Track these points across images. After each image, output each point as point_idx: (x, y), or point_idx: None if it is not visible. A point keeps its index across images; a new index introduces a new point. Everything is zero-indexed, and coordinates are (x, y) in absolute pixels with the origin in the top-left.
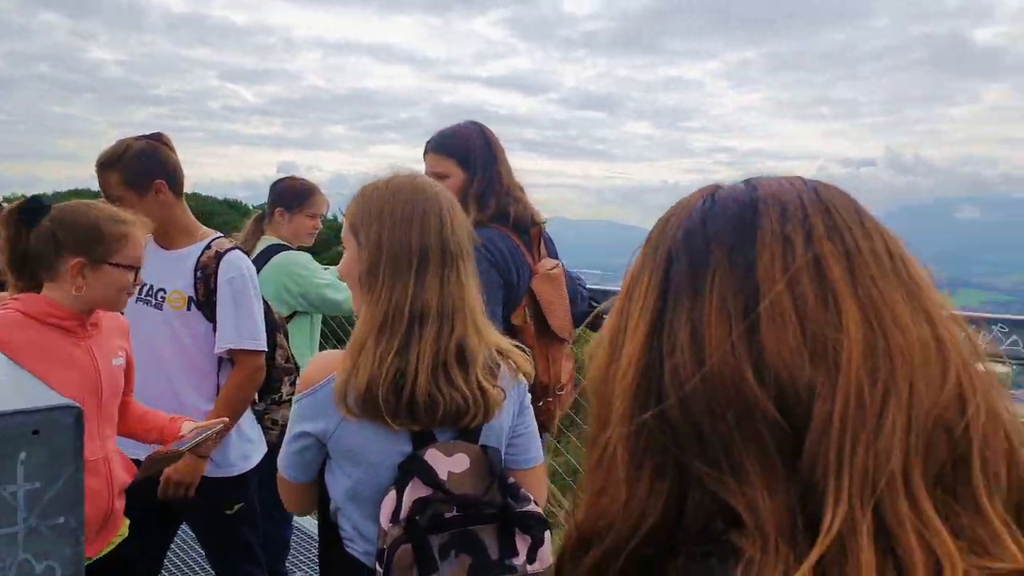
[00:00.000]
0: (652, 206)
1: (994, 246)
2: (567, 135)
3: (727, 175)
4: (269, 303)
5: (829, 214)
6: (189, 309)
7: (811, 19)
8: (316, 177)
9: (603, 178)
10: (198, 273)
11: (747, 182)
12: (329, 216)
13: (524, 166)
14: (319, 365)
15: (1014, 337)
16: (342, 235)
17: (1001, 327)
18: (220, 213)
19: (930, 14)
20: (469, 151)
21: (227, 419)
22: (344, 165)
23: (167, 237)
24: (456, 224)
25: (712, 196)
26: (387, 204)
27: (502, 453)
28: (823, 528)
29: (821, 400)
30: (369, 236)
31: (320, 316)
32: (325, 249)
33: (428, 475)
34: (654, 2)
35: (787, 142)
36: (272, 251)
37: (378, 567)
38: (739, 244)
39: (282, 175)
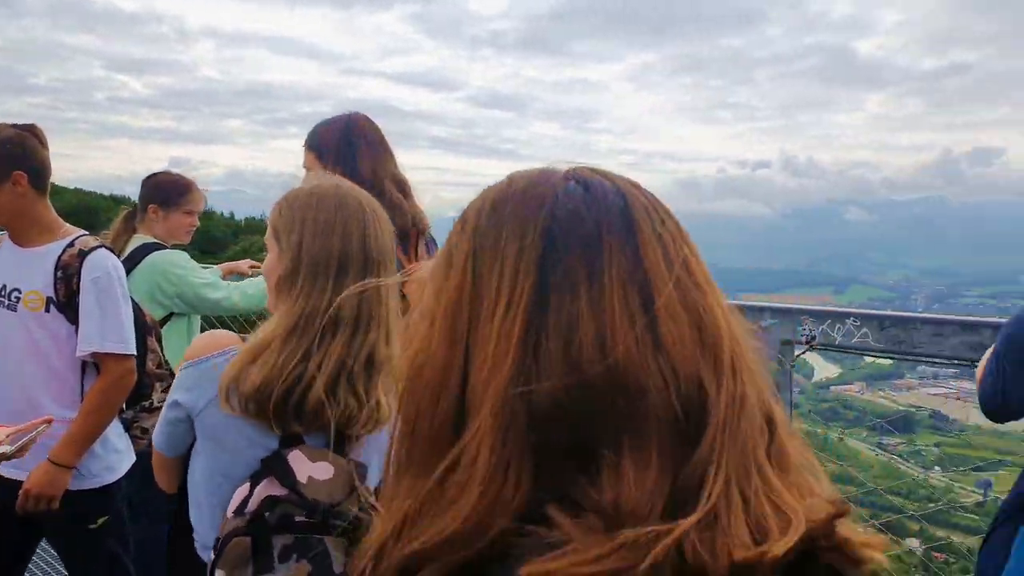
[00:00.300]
0: None
1: (879, 246)
2: (474, 134)
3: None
4: (141, 305)
5: (671, 218)
6: (48, 310)
7: (709, 25)
8: (211, 172)
9: None
10: (58, 272)
11: (594, 170)
12: (225, 214)
13: (432, 163)
14: (207, 342)
15: (865, 330)
16: (265, 238)
17: (854, 321)
18: (106, 209)
19: (819, 25)
20: (323, 143)
21: (51, 418)
22: (241, 160)
23: (24, 234)
24: (379, 232)
25: (580, 182)
26: (309, 211)
27: (380, 470)
28: (703, 496)
29: (716, 391)
30: (290, 242)
31: (198, 317)
32: (222, 249)
33: (286, 476)
34: (559, 4)
35: (687, 144)
36: (145, 250)
37: (211, 555)
38: (625, 235)
39: (175, 170)
